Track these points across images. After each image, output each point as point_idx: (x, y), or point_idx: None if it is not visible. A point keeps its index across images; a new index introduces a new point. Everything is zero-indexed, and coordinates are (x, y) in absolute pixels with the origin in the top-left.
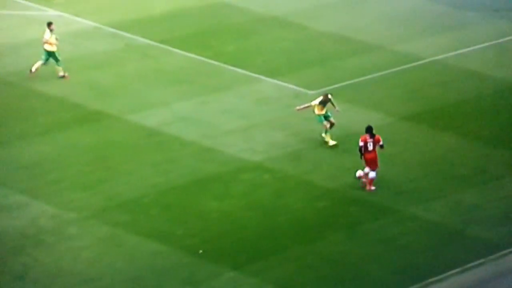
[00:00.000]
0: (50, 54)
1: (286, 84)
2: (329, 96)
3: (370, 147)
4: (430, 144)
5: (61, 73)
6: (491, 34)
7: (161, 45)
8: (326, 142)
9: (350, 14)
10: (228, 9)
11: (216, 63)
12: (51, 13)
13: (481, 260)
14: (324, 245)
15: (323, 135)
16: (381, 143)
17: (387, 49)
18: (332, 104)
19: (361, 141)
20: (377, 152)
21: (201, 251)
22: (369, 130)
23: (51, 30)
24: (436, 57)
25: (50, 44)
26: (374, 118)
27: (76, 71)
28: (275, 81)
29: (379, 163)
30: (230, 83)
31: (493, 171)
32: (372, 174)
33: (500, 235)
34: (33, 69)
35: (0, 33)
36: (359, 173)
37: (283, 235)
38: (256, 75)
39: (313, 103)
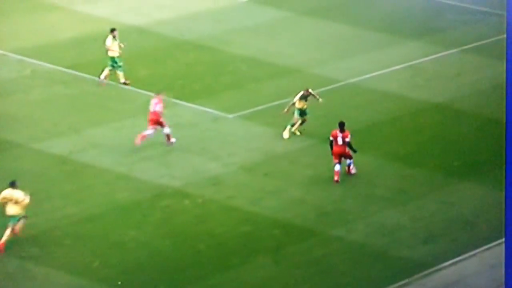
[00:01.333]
0: (112, 60)
1: (203, 108)
2: (310, 90)
3: (340, 142)
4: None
5: (123, 80)
6: (406, 56)
7: (70, 71)
8: (286, 131)
9: (265, 38)
10: (141, 34)
11: (129, 88)
12: None
13: (406, 280)
14: (248, 270)
15: (288, 126)
16: (348, 139)
17: (303, 73)
18: (314, 96)
19: (332, 136)
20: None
21: (119, 282)
22: (340, 125)
23: (113, 37)
24: (352, 80)
25: (112, 50)
26: (295, 141)
27: None
28: (192, 105)
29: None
30: (144, 108)
31: (413, 191)
32: (348, 161)
33: (423, 254)
34: (102, 77)
35: None
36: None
37: (205, 262)
38: (172, 100)
39: (295, 99)
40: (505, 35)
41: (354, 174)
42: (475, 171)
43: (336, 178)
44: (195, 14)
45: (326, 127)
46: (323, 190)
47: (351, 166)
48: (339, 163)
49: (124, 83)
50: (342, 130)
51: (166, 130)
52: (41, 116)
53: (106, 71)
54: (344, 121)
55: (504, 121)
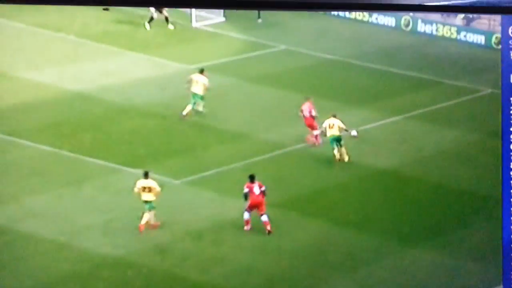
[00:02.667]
0: (195, 96)
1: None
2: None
3: (257, 192)
4: (300, 231)
5: (201, 108)
6: (351, 122)
7: (8, 137)
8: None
9: (211, 103)
10: (84, 101)
11: (71, 154)
12: None
13: None
14: None
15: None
16: (264, 188)
17: (251, 138)
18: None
19: (246, 187)
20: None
21: None
22: (251, 178)
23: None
24: (298, 145)
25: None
26: (242, 207)
27: None
28: (136, 171)
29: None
30: (87, 175)
31: (362, 256)
32: (264, 218)
33: None
34: (184, 113)
35: None
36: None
37: None
38: (116, 166)
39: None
40: (449, 103)
41: (271, 231)
42: (425, 236)
43: (247, 227)
44: (141, 80)
45: (276, 192)
46: (273, 257)
47: (267, 220)
48: (249, 212)
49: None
50: (252, 181)
51: (317, 132)
52: None
53: (188, 107)
54: (253, 174)
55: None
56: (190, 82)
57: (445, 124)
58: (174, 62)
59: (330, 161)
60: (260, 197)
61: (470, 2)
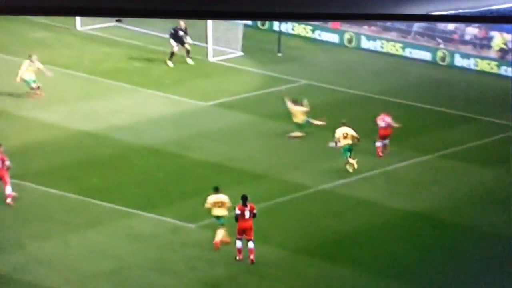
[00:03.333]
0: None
1: (162, 218)
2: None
3: (247, 215)
4: (325, 279)
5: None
6: (378, 162)
7: (14, 181)
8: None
9: (229, 143)
10: (95, 140)
11: (80, 197)
12: None
13: None
14: None
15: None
16: (254, 211)
17: (271, 179)
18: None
19: (238, 209)
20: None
21: None
22: (243, 199)
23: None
24: (323, 186)
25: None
26: (264, 252)
27: None
28: (150, 215)
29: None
30: (97, 220)
31: None
32: (251, 244)
33: None
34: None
35: None
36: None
37: None
38: (127, 209)
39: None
40: (484, 140)
41: (253, 261)
42: (458, 285)
43: (240, 257)
44: (154, 118)
45: (299, 236)
46: None
47: (252, 248)
48: (241, 239)
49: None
50: (245, 204)
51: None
52: None
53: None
54: (246, 195)
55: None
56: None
57: (480, 163)
58: (190, 98)
59: (357, 202)
60: (250, 221)
61: (479, 12)
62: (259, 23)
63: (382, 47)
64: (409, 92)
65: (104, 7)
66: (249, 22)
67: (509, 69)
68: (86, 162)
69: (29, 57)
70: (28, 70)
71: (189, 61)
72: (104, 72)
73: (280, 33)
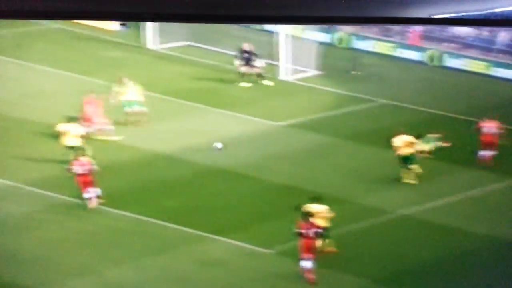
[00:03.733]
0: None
1: (237, 243)
2: None
3: (311, 234)
4: None
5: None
6: (463, 186)
7: None
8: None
9: (304, 165)
10: (170, 162)
11: (154, 221)
12: None
13: None
14: None
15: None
16: (320, 231)
17: (348, 202)
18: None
19: (300, 227)
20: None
21: None
22: (305, 216)
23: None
24: (403, 211)
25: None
26: (344, 281)
27: None
28: (225, 239)
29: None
30: (170, 244)
31: None
32: (310, 264)
33: None
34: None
35: None
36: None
37: None
38: (202, 234)
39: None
40: None
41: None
42: None
43: (311, 276)
44: (227, 139)
45: (381, 263)
46: None
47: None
48: (311, 259)
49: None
50: (308, 221)
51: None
52: (56, 255)
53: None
54: (310, 212)
55: None
56: None
57: None
58: (263, 118)
59: (438, 227)
60: (313, 240)
61: (481, 15)
62: (336, 40)
63: (464, 65)
64: (495, 112)
65: (107, 11)
66: (326, 40)
67: None
68: (160, 184)
69: (119, 79)
70: (122, 93)
71: (266, 82)
72: (177, 92)
73: (357, 50)
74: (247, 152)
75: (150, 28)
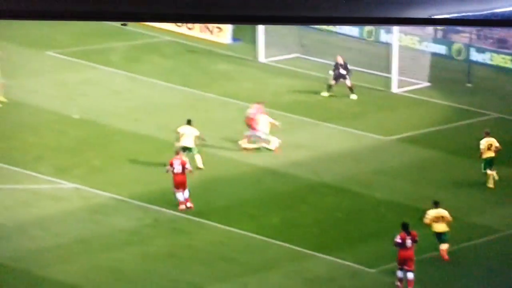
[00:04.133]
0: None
1: (340, 261)
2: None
3: (409, 244)
4: None
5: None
6: None
7: (195, 218)
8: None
9: (413, 181)
10: (274, 177)
11: (258, 237)
12: (65, 185)
13: None
14: None
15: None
16: (416, 238)
17: (457, 220)
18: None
19: (400, 238)
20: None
21: None
22: (405, 226)
23: None
24: None
25: None
26: None
27: (94, 254)
28: (328, 257)
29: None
30: (274, 261)
31: None
32: (410, 275)
33: None
34: None
35: (5, 212)
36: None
37: None
38: (305, 251)
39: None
40: None
41: None
42: None
43: (400, 285)
44: (334, 153)
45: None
46: None
47: (412, 279)
48: (411, 269)
49: None
50: (408, 232)
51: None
52: (160, 271)
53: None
54: (407, 223)
55: None
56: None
57: None
58: (371, 133)
59: None
60: (411, 250)
61: (481, 15)
62: (454, 52)
63: None
64: None
65: (107, 11)
66: (437, 51)
67: None
68: (265, 200)
69: (259, 103)
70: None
71: (353, 96)
72: (285, 106)
73: (474, 62)
74: (353, 167)
75: (262, 41)
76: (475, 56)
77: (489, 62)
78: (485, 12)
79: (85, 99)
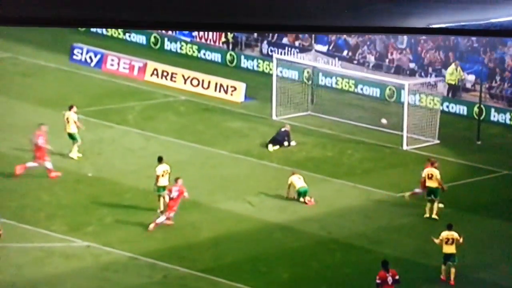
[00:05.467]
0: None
1: None
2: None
3: (390, 281)
4: None
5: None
6: None
7: (204, 275)
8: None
9: (422, 238)
10: (284, 232)
11: None
12: (76, 243)
13: None
14: None
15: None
16: (397, 277)
17: (467, 277)
18: None
19: (380, 278)
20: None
21: None
22: (384, 264)
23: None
24: None
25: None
26: None
27: None
28: None
29: None
30: None
31: None
32: None
33: None
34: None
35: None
36: None
37: None
38: None
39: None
40: None
41: None
42: None
43: None
44: (344, 209)
45: None
46: None
47: None
48: None
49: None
50: (387, 269)
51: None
52: None
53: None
54: (387, 260)
55: None
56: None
57: None
58: (381, 189)
59: None
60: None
61: (482, 25)
62: (460, 110)
63: None
64: None
65: (108, 19)
66: (448, 109)
67: None
68: (274, 256)
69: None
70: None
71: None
72: (296, 163)
73: (480, 120)
74: (363, 224)
75: (274, 99)
76: (485, 114)
77: (493, 119)
78: (484, 22)
79: (99, 157)
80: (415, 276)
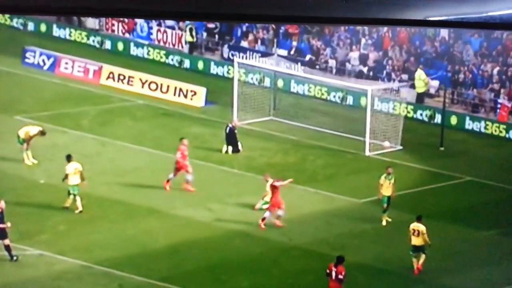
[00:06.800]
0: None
1: None
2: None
3: (333, 276)
4: None
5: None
6: None
7: (162, 284)
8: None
9: (384, 244)
10: (245, 239)
11: None
12: (29, 252)
13: None
14: None
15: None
16: (342, 276)
17: (432, 284)
18: None
19: (329, 268)
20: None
21: None
22: (338, 259)
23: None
24: None
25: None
26: None
27: None
28: None
29: None
30: None
31: None
32: None
33: None
34: None
35: None
36: None
37: None
38: None
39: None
40: None
41: None
42: None
43: None
44: (306, 215)
45: None
46: None
47: None
48: None
49: None
50: (336, 264)
51: None
52: None
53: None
54: (343, 256)
55: None
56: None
57: None
58: (343, 195)
59: None
60: (336, 283)
61: (481, 18)
62: (424, 115)
63: None
64: None
65: (107, 8)
66: (411, 114)
67: None
68: (235, 263)
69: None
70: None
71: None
72: (257, 168)
73: (443, 126)
74: (325, 230)
75: (236, 104)
76: (448, 120)
77: (463, 126)
78: (483, 15)
79: (52, 164)
80: (377, 282)
